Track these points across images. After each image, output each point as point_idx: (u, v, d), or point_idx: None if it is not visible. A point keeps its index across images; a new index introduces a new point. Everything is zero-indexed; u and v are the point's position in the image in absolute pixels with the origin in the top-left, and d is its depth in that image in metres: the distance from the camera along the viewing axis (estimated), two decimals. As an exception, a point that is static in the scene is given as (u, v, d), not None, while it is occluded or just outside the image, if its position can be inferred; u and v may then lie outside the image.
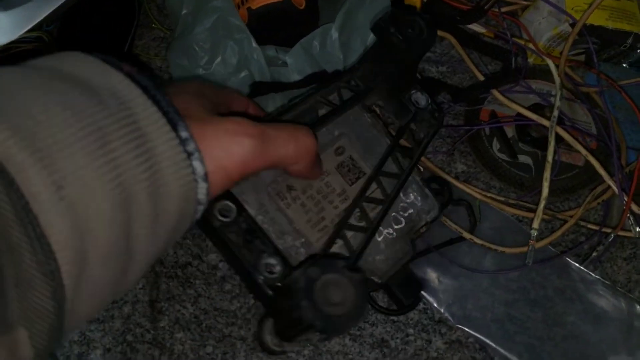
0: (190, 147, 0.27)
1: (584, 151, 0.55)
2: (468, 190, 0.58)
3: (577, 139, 0.57)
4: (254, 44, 0.55)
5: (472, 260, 0.57)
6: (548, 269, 0.57)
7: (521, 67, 0.63)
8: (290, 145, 0.33)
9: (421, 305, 0.56)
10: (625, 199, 0.52)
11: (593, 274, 0.56)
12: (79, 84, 0.25)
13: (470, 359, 0.55)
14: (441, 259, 0.57)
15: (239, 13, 0.57)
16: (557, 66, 0.59)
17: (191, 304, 0.56)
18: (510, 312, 0.56)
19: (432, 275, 0.56)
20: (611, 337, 0.55)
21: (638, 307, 0.55)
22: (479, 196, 0.58)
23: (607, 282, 0.56)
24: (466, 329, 0.55)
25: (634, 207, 0.52)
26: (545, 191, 0.53)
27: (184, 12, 0.59)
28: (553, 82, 0.59)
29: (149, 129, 0.25)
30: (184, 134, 0.27)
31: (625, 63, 0.65)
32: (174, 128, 0.26)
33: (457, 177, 0.60)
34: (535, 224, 0.52)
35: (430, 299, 0.56)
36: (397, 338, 0.55)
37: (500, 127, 0.61)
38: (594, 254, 0.54)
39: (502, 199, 0.58)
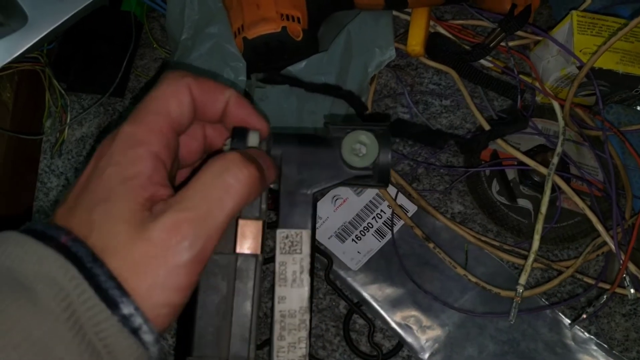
0: (137, 321, 0.26)
1: (581, 204, 0.52)
2: (461, 233, 0.56)
3: (575, 189, 0.54)
4: (242, 77, 0.54)
5: (462, 306, 0.55)
6: (540, 321, 0.55)
7: (527, 105, 0.61)
8: (220, 213, 0.28)
9: (405, 352, 0.55)
10: (623, 257, 0.49)
11: (585, 333, 0.54)
12: (8, 284, 0.25)
13: (452, 411, 0.53)
14: (429, 303, 0.55)
15: (236, 42, 0.56)
16: (562, 108, 0.56)
17: None
18: (498, 365, 0.54)
19: (418, 321, 0.55)
20: (601, 399, 0.52)
21: (631, 370, 0.53)
22: (472, 239, 0.56)
23: (599, 341, 0.53)
24: (449, 380, 0.53)
25: (631, 267, 0.50)
26: (535, 244, 0.51)
27: (183, 37, 0.59)
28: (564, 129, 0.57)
29: (88, 319, 0.25)
30: (126, 310, 0.25)
31: (639, 106, 0.61)
32: (116, 306, 0.25)
33: (453, 218, 0.58)
34: (522, 280, 0.50)
35: (415, 346, 0.54)
36: (377, 384, 0.54)
37: (502, 170, 0.59)
38: (584, 315, 0.52)
39: (497, 244, 0.56)
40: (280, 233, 0.32)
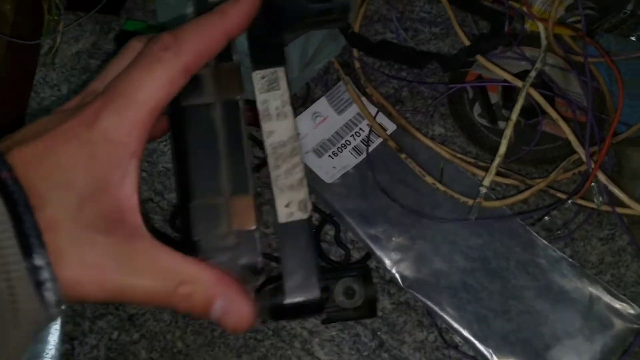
0: (43, 275, 0.25)
1: (554, 114, 0.51)
2: (438, 149, 0.56)
3: (556, 109, 0.53)
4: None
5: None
6: (514, 241, 0.54)
7: (517, 33, 0.60)
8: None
9: (373, 263, 0.55)
10: (593, 166, 0.48)
11: (558, 252, 0.53)
12: None
13: (417, 323, 0.53)
14: (400, 219, 0.55)
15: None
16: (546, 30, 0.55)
17: (146, 237, 0.56)
18: (466, 281, 0.53)
19: (388, 235, 0.54)
20: (569, 319, 0.51)
21: (601, 290, 0.51)
22: (447, 155, 0.55)
23: (572, 261, 0.52)
24: (415, 294, 0.53)
25: (601, 176, 0.49)
26: (502, 149, 0.50)
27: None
28: (547, 48, 0.56)
29: (4, 256, 0.24)
30: (38, 262, 0.25)
31: (634, 36, 0.60)
32: (29, 255, 0.25)
33: (433, 139, 0.58)
34: (486, 181, 0.50)
35: (383, 258, 0.54)
36: (343, 293, 0.54)
37: (484, 92, 0.58)
38: (546, 217, 0.51)
39: (472, 160, 0.55)
40: (257, 74, 0.33)
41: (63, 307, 0.27)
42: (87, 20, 0.64)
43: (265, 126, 0.32)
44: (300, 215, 0.31)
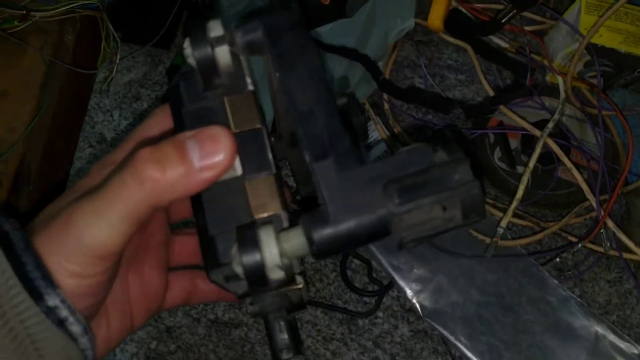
0: (63, 314, 0.25)
1: (569, 163, 0.55)
2: (459, 191, 0.60)
3: (575, 163, 0.58)
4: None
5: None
6: (527, 279, 0.58)
7: (538, 84, 0.64)
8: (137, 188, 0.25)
9: (394, 293, 0.59)
10: (602, 213, 0.52)
11: (568, 291, 0.57)
12: None
13: (433, 350, 0.57)
14: (422, 252, 0.59)
15: None
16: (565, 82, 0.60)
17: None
18: (481, 313, 0.57)
19: (410, 266, 0.59)
20: (575, 355, 0.55)
21: (607, 329, 0.55)
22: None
23: (580, 300, 0.56)
24: (432, 323, 0.57)
25: (610, 223, 0.53)
26: (519, 193, 0.54)
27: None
28: (565, 100, 0.61)
29: (12, 309, 0.24)
30: (51, 302, 0.25)
31: (647, 92, 0.64)
32: (40, 297, 0.25)
33: (454, 180, 0.62)
34: (503, 222, 0.54)
35: (404, 288, 0.58)
36: (365, 319, 0.58)
37: (505, 138, 0.63)
38: (557, 259, 0.55)
39: (491, 201, 0.60)
40: None
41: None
42: (140, 52, 0.70)
43: None
44: None
